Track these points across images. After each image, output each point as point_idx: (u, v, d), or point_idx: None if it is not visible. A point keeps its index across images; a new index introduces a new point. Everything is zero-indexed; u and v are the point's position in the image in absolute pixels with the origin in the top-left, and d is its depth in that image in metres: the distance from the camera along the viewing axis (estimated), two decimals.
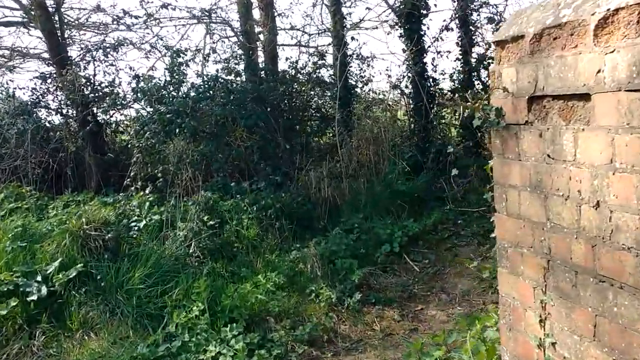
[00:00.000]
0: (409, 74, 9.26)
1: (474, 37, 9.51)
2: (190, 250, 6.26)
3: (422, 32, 9.01)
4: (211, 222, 6.91)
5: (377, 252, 6.64)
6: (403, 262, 6.58)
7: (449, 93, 9.82)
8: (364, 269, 6.11)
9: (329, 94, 10.01)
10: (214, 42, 9.73)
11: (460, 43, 9.40)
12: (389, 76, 9.94)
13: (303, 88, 9.37)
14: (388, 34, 8.89)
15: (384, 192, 7.63)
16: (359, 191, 7.76)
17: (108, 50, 9.31)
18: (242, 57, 9.01)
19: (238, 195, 7.68)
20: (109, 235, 6.00)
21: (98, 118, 9.36)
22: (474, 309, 5.52)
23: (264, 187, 7.82)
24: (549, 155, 2.21)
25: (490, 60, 9.75)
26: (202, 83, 8.11)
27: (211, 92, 7.68)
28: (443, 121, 9.67)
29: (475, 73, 9.70)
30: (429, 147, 8.74)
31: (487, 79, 9.95)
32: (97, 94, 9.11)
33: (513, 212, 2.52)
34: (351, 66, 9.53)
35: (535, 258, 2.36)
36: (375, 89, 9.83)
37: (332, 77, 10.07)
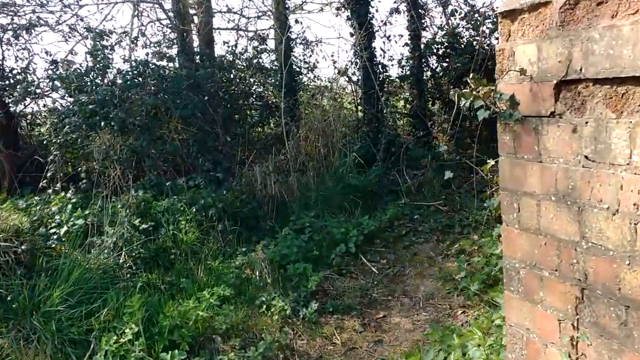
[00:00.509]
0: (357, 60, 8.77)
1: (424, 21, 9.13)
2: (121, 261, 5.52)
3: (370, 15, 8.53)
4: (144, 226, 6.18)
5: (331, 254, 6.13)
6: (360, 263, 6.11)
7: (398, 80, 9.42)
8: (319, 274, 5.59)
9: (271, 81, 9.38)
10: (143, 24, 8.83)
11: (409, 27, 8.99)
12: (334, 62, 9.43)
13: (243, 74, 8.69)
14: (336, 16, 8.33)
15: (335, 187, 7.13)
16: (308, 187, 7.23)
17: (19, 31, 8.23)
18: (175, 40, 8.21)
19: (174, 195, 6.96)
20: (23, 247, 5.17)
21: (10, 109, 8.28)
22: (440, 314, 5.13)
23: (204, 184, 7.13)
24: (587, 157, 1.73)
25: (438, 46, 9.44)
26: (130, 69, 7.27)
27: (141, 79, 6.87)
28: (394, 110, 9.26)
29: (424, 59, 9.35)
30: (380, 137, 8.30)
31: (436, 65, 9.65)
32: (7, 82, 8.04)
33: (529, 226, 2.04)
34: (295, 51, 8.93)
35: (563, 284, 1.89)
36: (322, 75, 9.29)
37: (275, 63, 9.44)
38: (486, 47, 9.10)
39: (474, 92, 2.14)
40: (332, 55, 10.62)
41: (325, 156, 7.57)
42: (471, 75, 2.13)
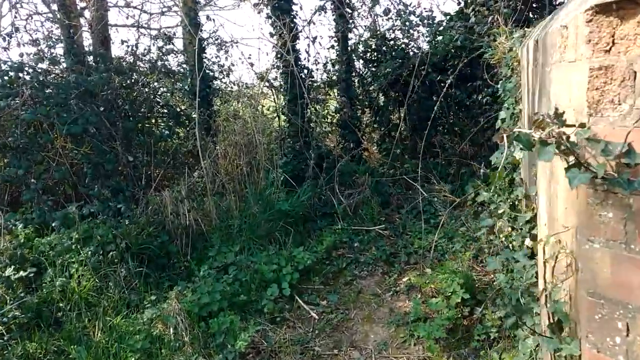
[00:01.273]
0: (280, 64, 7.85)
1: (352, 21, 8.38)
2: None
3: (293, 13, 7.64)
4: (22, 274, 4.91)
5: (262, 298, 5.18)
6: (297, 308, 5.20)
7: (324, 86, 8.61)
8: (250, 329, 4.61)
9: (179, 86, 8.23)
10: (18, 18, 7.36)
11: (336, 27, 8.21)
12: (252, 65, 8.44)
13: (147, 79, 7.48)
14: (258, 13, 7.35)
15: (262, 212, 6.16)
16: (230, 213, 6.21)
17: None
18: (61, 38, 6.85)
19: (63, 229, 5.69)
20: None
21: None
22: None
23: (101, 215, 5.90)
24: None
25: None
26: None
27: (14, 86, 5.52)
28: (324, 120, 8.42)
29: (353, 64, 8.60)
30: (309, 151, 7.44)
31: (364, 70, 8.93)
32: None
33: None
34: (207, 53, 7.85)
35: None
36: (240, 81, 8.27)
37: (183, 66, 8.30)
38: (416, 51, 8.54)
39: (542, 133, 1.31)
40: (249, 57, 9.54)
41: (248, 175, 6.58)
42: (543, 114, 1.30)
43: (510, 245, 4.68)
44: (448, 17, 8.07)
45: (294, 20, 7.70)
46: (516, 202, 4.73)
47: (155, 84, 8.02)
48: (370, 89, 8.86)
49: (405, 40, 8.64)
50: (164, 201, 6.04)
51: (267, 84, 8.09)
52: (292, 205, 6.41)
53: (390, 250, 6.02)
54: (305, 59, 8.13)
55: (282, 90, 7.97)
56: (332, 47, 8.47)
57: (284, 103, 7.95)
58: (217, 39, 8.02)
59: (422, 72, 7.87)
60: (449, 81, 6.89)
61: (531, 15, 6.98)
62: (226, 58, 8.33)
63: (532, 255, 4.26)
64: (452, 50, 7.63)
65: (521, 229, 4.42)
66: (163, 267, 5.64)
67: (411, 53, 8.52)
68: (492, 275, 5.15)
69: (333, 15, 8.28)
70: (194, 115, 7.52)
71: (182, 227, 5.91)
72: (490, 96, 7.49)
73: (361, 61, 8.84)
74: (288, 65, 7.51)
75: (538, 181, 2.59)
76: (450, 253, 5.79)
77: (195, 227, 5.98)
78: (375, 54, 8.73)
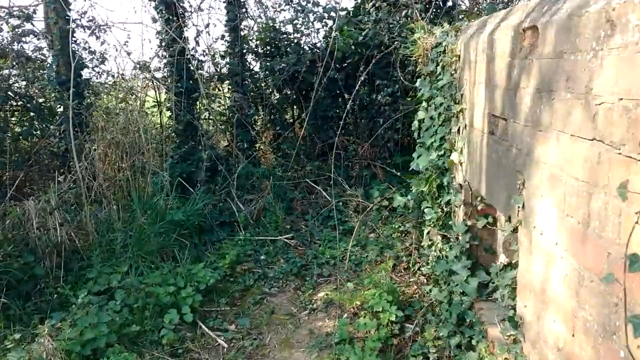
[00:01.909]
0: (165, 53, 6.98)
1: (245, 9, 7.72)
2: None
3: None
4: None
5: (159, 327, 4.38)
6: (201, 336, 4.48)
7: (215, 80, 7.86)
8: None
9: (39, 74, 6.99)
10: None
11: (227, 16, 7.51)
12: (128, 53, 7.47)
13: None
14: None
15: (152, 224, 5.31)
16: (111, 226, 5.27)
17: None
18: None
19: None
20: None
21: None
22: None
23: None
24: None
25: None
26: None
27: None
28: (218, 117, 7.66)
29: (246, 58, 7.95)
30: (201, 152, 6.68)
31: (257, 65, 8.32)
32: None
33: None
34: (77, 37, 6.74)
35: None
36: (118, 71, 7.23)
37: (45, 52, 7.08)
38: (313, 47, 8.12)
39: None
40: (125, 44, 8.44)
41: (131, 180, 5.67)
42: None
43: (443, 255, 4.39)
44: (348, 12, 7.74)
45: (181, 4, 6.88)
46: (447, 209, 4.46)
47: (11, 71, 6.73)
48: (264, 85, 8.27)
49: (303, 34, 8.17)
50: (27, 213, 4.95)
51: (149, 75, 7.15)
52: (187, 215, 5.63)
53: (301, 262, 5.50)
54: (193, 49, 7.34)
55: (167, 83, 7.09)
56: (223, 37, 7.74)
57: (169, 97, 7.08)
58: (90, 21, 6.93)
59: (320, 69, 7.47)
60: (362, 78, 6.53)
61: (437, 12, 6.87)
62: (100, 44, 7.21)
63: (474, 268, 3.99)
64: (354, 47, 7.30)
65: (457, 238, 4.15)
66: (28, 295, 4.59)
67: (307, 48, 8.07)
68: (416, 287, 4.85)
69: (224, 2, 7.56)
70: (60, 109, 6.39)
71: (52, 244, 4.88)
72: (390, 96, 7.29)
73: (253, 55, 8.20)
74: (174, 55, 6.68)
75: (540, 192, 2.22)
76: (366, 263, 5.41)
77: (69, 243, 4.97)
78: (268, 47, 8.16)
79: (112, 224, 5.28)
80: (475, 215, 3.88)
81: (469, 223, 3.87)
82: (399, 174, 6.50)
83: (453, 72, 4.03)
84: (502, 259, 2.77)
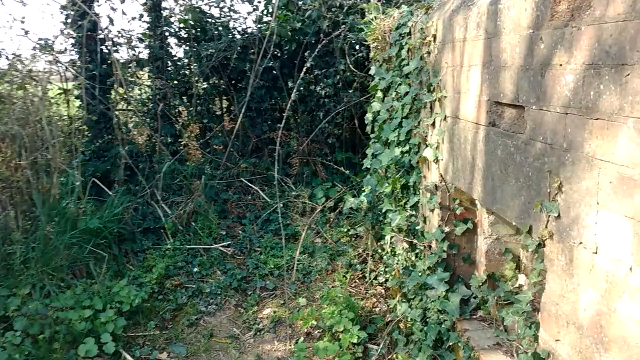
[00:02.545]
0: (72, 32, 6.05)
1: None
2: None
3: None
4: None
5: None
6: None
7: (134, 66, 6.97)
8: None
9: None
10: None
11: None
12: (26, 32, 6.41)
13: None
14: None
15: (60, 233, 4.45)
16: (8, 237, 4.36)
17: None
18: None
19: None
20: None
21: None
22: None
23: None
24: None
25: None
26: None
27: None
28: (138, 108, 6.77)
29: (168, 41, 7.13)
30: (117, 147, 5.82)
31: (180, 49, 7.50)
32: None
33: None
34: None
35: None
36: (14, 52, 6.16)
37: None
38: (242, 31, 7.43)
39: None
40: (22, 21, 7.26)
41: (33, 180, 4.75)
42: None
43: (409, 265, 3.90)
44: None
45: None
46: (412, 212, 3.97)
47: None
48: (189, 72, 7.47)
49: (231, 18, 7.45)
50: None
51: (53, 57, 6.15)
52: (103, 221, 4.79)
53: (241, 274, 4.83)
54: (106, 28, 6.42)
55: (76, 67, 6.14)
56: (141, 17, 6.87)
57: (79, 84, 6.14)
58: None
59: (255, 56, 6.80)
60: (308, 64, 5.92)
61: None
62: None
63: (452, 280, 3.52)
64: (291, 32, 6.69)
65: (430, 246, 3.67)
66: None
67: (237, 32, 7.37)
68: (376, 300, 4.34)
69: None
70: None
71: None
72: (331, 87, 6.75)
73: (176, 39, 7.38)
74: (83, 33, 5.77)
75: (593, 199, 1.73)
76: (315, 272, 4.84)
77: None
78: (194, 31, 7.36)
79: (8, 234, 4.36)
80: (453, 220, 3.41)
81: (446, 229, 3.39)
82: (347, 172, 5.96)
83: (425, 55, 3.53)
84: (522, 280, 2.29)
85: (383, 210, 4.30)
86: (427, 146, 3.57)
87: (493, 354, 2.78)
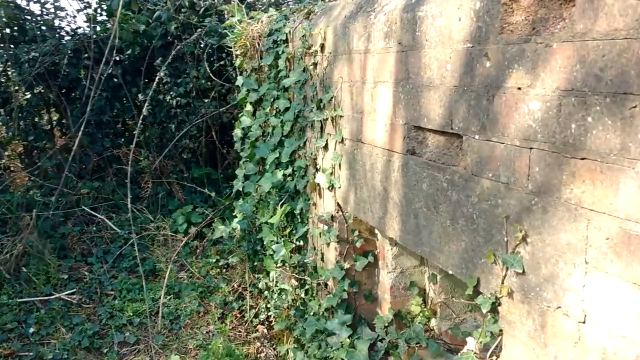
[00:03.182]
0: None
1: None
2: None
3: None
4: None
5: None
6: None
7: None
8: None
9: None
10: None
11: None
12: None
13: None
14: None
15: None
16: None
17: None
18: None
19: None
20: None
21: None
22: None
23: None
24: None
25: None
26: None
27: None
28: None
29: None
30: None
31: None
32: None
33: None
34: None
35: None
36: None
37: None
38: (70, 32, 6.41)
39: None
40: None
41: None
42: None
43: (298, 304, 3.43)
44: None
45: None
46: (298, 244, 3.52)
47: None
48: (4, 80, 6.26)
49: (57, 16, 6.39)
50: None
51: None
52: None
53: (93, 328, 3.99)
54: None
55: None
56: None
57: None
58: None
59: (88, 61, 5.89)
60: (162, 73, 5.16)
61: None
62: None
63: (354, 322, 3.12)
64: (132, 36, 5.86)
65: (326, 284, 3.23)
66: None
67: (66, 33, 6.35)
68: (260, 344, 3.81)
69: None
70: None
71: None
72: (182, 96, 6.05)
73: None
74: None
75: (580, 257, 1.40)
76: (185, 316, 4.17)
77: None
78: (8, 30, 6.17)
79: None
80: (353, 254, 3.02)
81: (345, 265, 3.00)
82: (210, 192, 5.32)
83: (309, 67, 3.09)
84: (471, 345, 1.94)
85: (262, 239, 3.79)
86: (317, 171, 3.14)
87: None
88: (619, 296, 1.31)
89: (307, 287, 3.41)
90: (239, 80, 4.02)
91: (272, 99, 3.61)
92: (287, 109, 3.40)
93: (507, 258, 1.65)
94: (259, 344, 3.81)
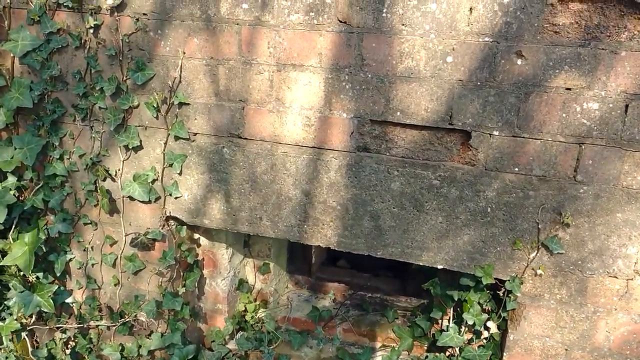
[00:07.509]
0: None
1: None
2: None
3: None
4: None
5: None
6: None
7: None
8: None
9: None
10: None
11: None
12: None
13: None
14: None
15: None
16: None
17: None
18: None
19: None
20: None
21: None
22: None
23: None
24: None
25: None
26: None
27: None
28: None
29: None
30: None
31: None
32: None
33: None
34: None
35: None
36: None
37: None
38: None
39: None
40: None
41: None
42: None
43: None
44: None
45: None
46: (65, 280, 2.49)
47: None
48: None
49: None
50: None
51: None
52: None
53: None
54: None
55: None
56: None
57: None
58: None
59: None
60: None
61: None
62: None
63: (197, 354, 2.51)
64: None
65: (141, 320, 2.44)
66: None
67: None
68: None
69: None
70: None
71: None
72: None
73: None
74: None
75: None
76: None
77: None
78: None
79: None
80: (182, 272, 2.47)
81: (181, 290, 2.42)
82: None
83: (81, 31, 2.12)
84: (493, 327, 1.93)
85: None
86: (108, 177, 2.29)
87: None
88: None
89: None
90: None
91: None
92: (20, 87, 2.23)
93: (548, 242, 1.85)
94: None
